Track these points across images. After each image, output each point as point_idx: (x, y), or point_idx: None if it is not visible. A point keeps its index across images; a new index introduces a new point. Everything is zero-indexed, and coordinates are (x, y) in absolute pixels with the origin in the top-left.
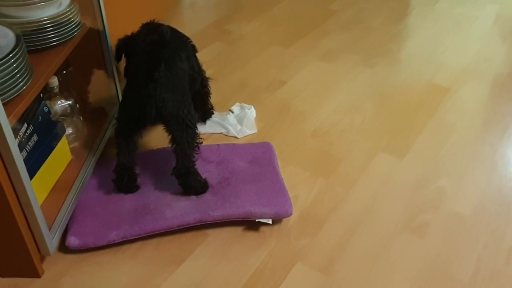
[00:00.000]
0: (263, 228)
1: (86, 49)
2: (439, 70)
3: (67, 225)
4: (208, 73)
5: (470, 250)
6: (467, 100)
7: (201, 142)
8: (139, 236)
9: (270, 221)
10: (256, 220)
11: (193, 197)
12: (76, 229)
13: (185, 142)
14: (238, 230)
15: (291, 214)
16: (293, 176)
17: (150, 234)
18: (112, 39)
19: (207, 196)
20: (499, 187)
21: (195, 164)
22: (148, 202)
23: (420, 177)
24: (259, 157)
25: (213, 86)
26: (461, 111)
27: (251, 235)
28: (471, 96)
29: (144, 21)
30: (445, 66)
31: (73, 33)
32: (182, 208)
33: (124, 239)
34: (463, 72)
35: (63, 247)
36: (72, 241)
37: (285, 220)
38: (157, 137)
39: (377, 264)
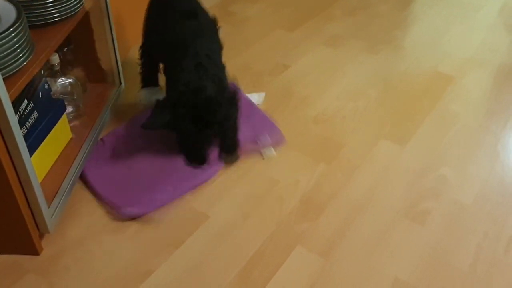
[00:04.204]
0: (264, 211)
1: (88, 26)
2: (443, 58)
3: (108, 203)
4: None
5: (470, 239)
6: (471, 89)
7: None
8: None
9: (274, 152)
10: (263, 156)
11: None
12: (122, 200)
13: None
14: (238, 212)
15: (285, 141)
16: (295, 161)
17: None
18: (115, 17)
19: None
20: (501, 177)
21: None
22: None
23: (422, 165)
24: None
25: None
26: (465, 100)
27: (251, 217)
28: (475, 86)
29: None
30: (450, 55)
31: (75, 9)
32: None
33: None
34: (468, 61)
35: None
36: (129, 211)
37: (285, 204)
38: None
39: (376, 250)
